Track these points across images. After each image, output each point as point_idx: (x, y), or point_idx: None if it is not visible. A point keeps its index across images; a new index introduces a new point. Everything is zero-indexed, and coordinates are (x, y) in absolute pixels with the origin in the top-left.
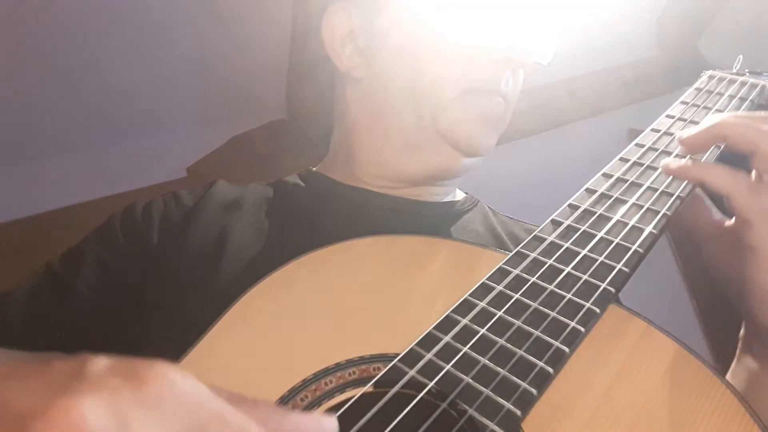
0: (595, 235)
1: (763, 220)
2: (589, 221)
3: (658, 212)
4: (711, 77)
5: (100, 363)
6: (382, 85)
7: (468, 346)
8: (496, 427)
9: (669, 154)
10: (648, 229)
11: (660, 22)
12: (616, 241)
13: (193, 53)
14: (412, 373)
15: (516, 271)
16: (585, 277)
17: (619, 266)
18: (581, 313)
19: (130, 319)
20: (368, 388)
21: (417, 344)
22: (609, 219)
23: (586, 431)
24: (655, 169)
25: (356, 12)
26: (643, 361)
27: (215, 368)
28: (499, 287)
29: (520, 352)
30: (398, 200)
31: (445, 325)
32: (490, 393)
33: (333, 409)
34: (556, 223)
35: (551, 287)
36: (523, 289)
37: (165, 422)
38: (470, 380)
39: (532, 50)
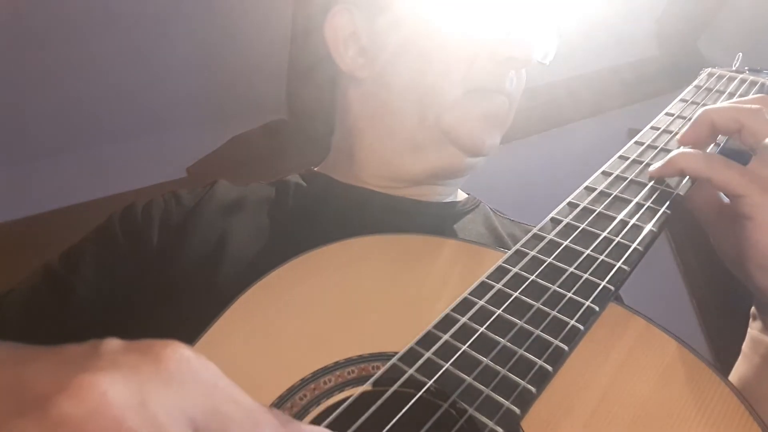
0: (594, 233)
1: (754, 191)
2: (589, 219)
3: (658, 210)
4: (710, 75)
5: (114, 343)
6: (385, 84)
7: (467, 344)
8: (495, 426)
9: (668, 151)
10: (648, 227)
11: (660, 22)
12: (616, 239)
13: (193, 53)
14: (411, 371)
15: (515, 270)
16: (585, 275)
17: (618, 264)
18: (581, 311)
19: (130, 319)
20: (367, 386)
21: (416, 343)
22: (608, 217)
23: (585, 429)
24: None
25: (359, 12)
26: (643, 360)
27: None
28: (499, 285)
29: (520, 350)
30: (400, 200)
31: (445, 323)
32: (490, 392)
33: (332, 408)
34: (555, 221)
35: (551, 285)
36: (523, 287)
37: (183, 398)
38: (469, 379)
39: (535, 49)
